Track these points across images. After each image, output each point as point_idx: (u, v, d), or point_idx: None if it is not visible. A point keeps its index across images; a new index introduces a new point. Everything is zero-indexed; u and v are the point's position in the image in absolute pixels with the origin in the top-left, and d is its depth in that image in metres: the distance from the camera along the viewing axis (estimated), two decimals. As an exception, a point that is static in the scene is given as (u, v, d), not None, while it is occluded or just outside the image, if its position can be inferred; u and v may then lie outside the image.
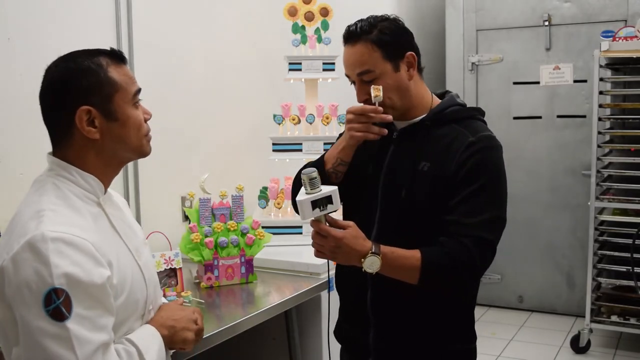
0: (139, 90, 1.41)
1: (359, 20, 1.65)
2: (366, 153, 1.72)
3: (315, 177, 1.49)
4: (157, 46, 2.72)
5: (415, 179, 1.61)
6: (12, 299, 1.22)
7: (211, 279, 2.35)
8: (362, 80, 1.63)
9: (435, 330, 1.67)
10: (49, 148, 1.40)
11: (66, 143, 1.36)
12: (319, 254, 1.56)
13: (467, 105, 1.73)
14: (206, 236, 2.35)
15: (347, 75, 1.68)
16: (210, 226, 2.37)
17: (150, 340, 1.38)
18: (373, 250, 1.51)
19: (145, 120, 1.43)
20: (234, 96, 3.17)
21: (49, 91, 1.35)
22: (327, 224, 1.52)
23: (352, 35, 1.63)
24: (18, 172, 2.11)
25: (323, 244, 1.52)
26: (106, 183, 1.42)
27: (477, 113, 1.71)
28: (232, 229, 2.39)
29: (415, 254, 1.54)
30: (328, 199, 1.49)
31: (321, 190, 1.49)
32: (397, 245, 1.56)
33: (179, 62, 2.85)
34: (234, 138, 3.19)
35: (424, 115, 1.67)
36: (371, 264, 1.50)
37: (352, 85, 1.70)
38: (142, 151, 1.43)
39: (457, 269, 1.53)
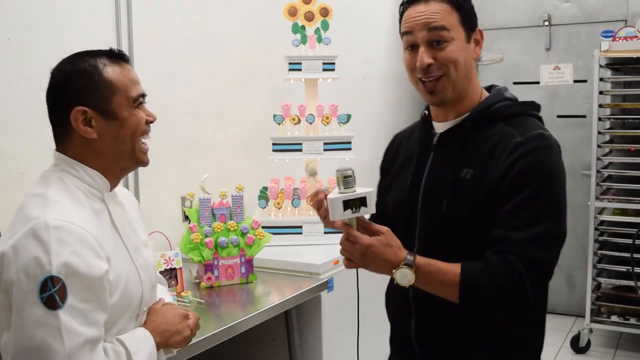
0: (141, 95, 1.41)
1: None
2: (407, 164, 1.58)
3: (350, 176, 1.38)
4: (157, 46, 2.71)
5: (457, 188, 1.42)
6: (9, 285, 1.22)
7: (211, 279, 2.35)
8: (429, 40, 1.42)
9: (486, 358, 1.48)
10: (49, 148, 1.41)
11: (67, 142, 1.38)
12: (348, 263, 1.44)
13: (519, 100, 1.53)
14: (206, 236, 2.35)
15: (406, 34, 1.46)
16: (210, 226, 2.37)
17: (141, 343, 1.37)
18: (406, 262, 1.36)
19: (147, 122, 1.42)
20: (234, 96, 3.17)
21: (49, 93, 1.39)
22: (359, 228, 1.41)
23: None
24: (18, 172, 2.11)
25: (352, 251, 1.40)
26: (112, 180, 1.42)
27: (529, 108, 1.50)
28: (232, 229, 2.39)
29: (454, 269, 1.36)
30: (362, 201, 1.38)
31: (355, 190, 1.39)
32: None
33: (179, 62, 2.84)
34: (234, 138, 3.18)
35: (467, 114, 1.49)
36: (403, 277, 1.36)
37: (408, 51, 1.48)
38: (137, 158, 1.42)
39: (501, 290, 1.34)
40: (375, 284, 1.75)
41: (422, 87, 1.48)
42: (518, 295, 1.35)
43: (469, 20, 1.46)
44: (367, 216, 1.52)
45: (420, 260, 1.39)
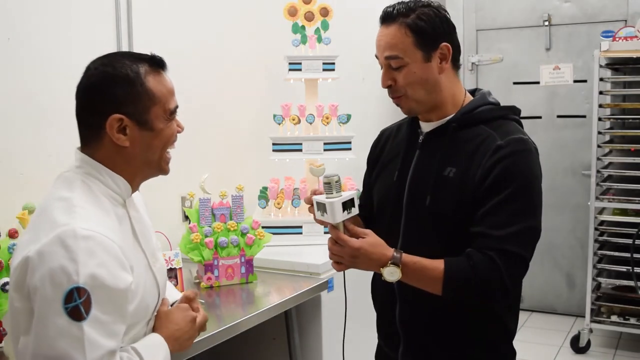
0: (176, 107, 1.40)
1: (399, 2, 1.56)
2: (394, 159, 1.66)
3: (339, 181, 1.46)
4: (157, 46, 2.70)
5: (440, 185, 1.52)
6: (32, 290, 1.20)
7: (211, 279, 2.35)
8: (389, 65, 1.54)
9: (465, 345, 1.58)
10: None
11: (95, 144, 1.35)
12: (338, 266, 1.52)
13: (501, 104, 1.62)
14: (206, 236, 2.35)
15: (376, 57, 1.59)
16: (210, 226, 2.37)
17: (155, 351, 1.37)
18: (393, 260, 1.45)
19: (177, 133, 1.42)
20: (234, 96, 3.17)
21: (85, 92, 1.34)
22: (346, 231, 1.48)
23: (388, 16, 1.54)
24: (18, 172, 2.11)
25: (341, 254, 1.48)
26: (134, 186, 1.41)
27: (510, 112, 1.58)
28: (232, 229, 2.39)
29: (438, 265, 1.45)
30: (352, 202, 1.47)
31: (342, 194, 1.46)
32: (423, 256, 1.48)
33: (179, 62, 2.84)
34: (234, 138, 3.18)
35: (451, 116, 1.57)
36: (391, 274, 1.45)
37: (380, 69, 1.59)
38: (161, 167, 1.42)
39: (482, 285, 1.43)
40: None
41: (392, 100, 1.61)
42: (497, 290, 1.45)
43: (427, 41, 1.52)
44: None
45: (406, 258, 1.47)
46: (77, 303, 1.17)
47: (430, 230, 1.54)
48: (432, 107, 1.57)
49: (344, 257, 1.48)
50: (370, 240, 1.47)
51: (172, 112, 1.39)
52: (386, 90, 1.60)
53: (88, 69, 1.34)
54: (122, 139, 1.32)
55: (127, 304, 1.26)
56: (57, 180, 1.35)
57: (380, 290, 1.73)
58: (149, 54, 1.39)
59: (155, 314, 1.45)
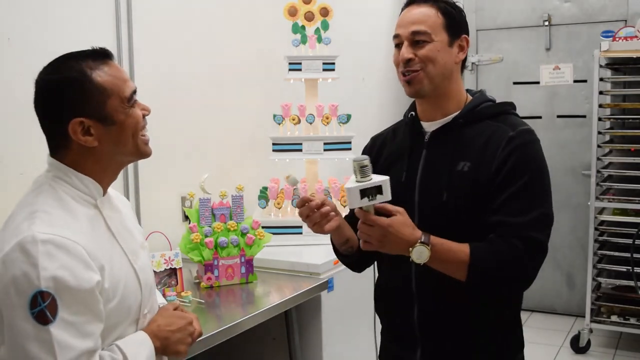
0: (134, 92, 1.37)
1: None
2: (397, 161, 1.67)
3: (367, 165, 1.43)
4: (157, 46, 2.72)
5: (456, 180, 1.54)
6: (1, 299, 1.21)
7: (211, 279, 2.35)
8: (412, 40, 1.57)
9: (484, 343, 1.60)
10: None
11: (63, 151, 1.35)
12: (366, 244, 1.50)
13: (497, 101, 1.68)
14: (206, 236, 2.35)
15: (395, 37, 1.61)
16: (210, 226, 2.37)
17: (139, 348, 1.36)
18: (422, 240, 1.45)
19: (143, 116, 1.40)
20: (234, 96, 3.17)
21: (39, 103, 1.34)
22: (374, 212, 1.47)
23: None
24: (18, 172, 2.11)
25: (370, 234, 1.47)
26: (105, 185, 1.40)
27: (510, 108, 1.66)
28: (232, 229, 2.39)
29: (464, 249, 1.48)
30: (378, 189, 1.43)
31: (372, 179, 1.44)
32: None
33: (179, 62, 2.84)
34: (234, 138, 3.18)
35: (456, 113, 1.62)
36: (420, 254, 1.45)
37: (395, 49, 1.62)
38: (140, 151, 1.40)
39: (506, 270, 1.47)
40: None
41: (402, 78, 1.63)
42: (520, 275, 1.49)
43: (453, 27, 1.60)
44: None
45: (435, 239, 1.48)
46: (42, 307, 1.18)
47: (447, 225, 1.54)
48: (440, 94, 1.62)
49: (372, 236, 1.47)
50: (401, 219, 1.47)
51: (130, 99, 1.36)
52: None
53: (36, 81, 1.33)
54: (90, 140, 1.32)
55: (98, 303, 1.26)
56: (31, 185, 1.36)
57: (391, 296, 1.71)
58: (90, 48, 1.37)
59: (146, 312, 1.43)
